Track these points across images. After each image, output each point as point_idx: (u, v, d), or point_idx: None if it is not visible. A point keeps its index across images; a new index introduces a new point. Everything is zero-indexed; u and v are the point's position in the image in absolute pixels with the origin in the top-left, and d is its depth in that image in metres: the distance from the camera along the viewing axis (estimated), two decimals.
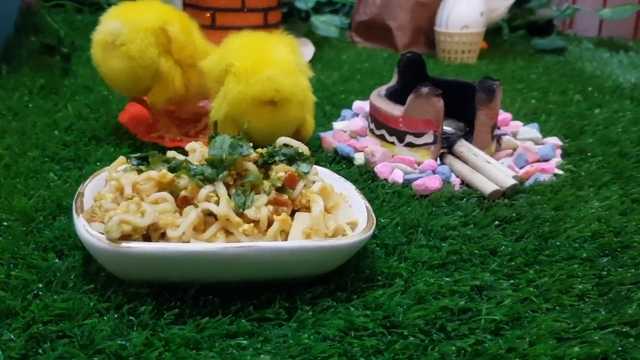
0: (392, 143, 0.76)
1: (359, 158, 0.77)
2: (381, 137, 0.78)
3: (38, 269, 0.50)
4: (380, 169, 0.73)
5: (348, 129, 0.84)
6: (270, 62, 0.69)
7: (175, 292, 0.48)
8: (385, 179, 0.72)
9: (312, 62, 1.25)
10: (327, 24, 1.53)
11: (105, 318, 0.45)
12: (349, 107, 0.97)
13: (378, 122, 0.78)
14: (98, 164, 0.71)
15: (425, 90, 0.71)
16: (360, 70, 1.22)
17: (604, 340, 0.46)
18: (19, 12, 1.45)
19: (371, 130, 0.81)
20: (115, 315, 0.45)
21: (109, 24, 0.74)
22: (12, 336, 0.43)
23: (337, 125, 0.88)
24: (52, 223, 0.58)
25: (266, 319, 0.47)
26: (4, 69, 1.06)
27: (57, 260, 0.52)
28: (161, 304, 0.47)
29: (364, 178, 0.72)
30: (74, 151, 0.74)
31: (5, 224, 0.57)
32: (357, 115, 0.92)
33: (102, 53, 0.75)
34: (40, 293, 0.47)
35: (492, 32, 1.55)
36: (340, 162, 0.77)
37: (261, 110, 0.69)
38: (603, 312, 0.50)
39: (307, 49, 1.29)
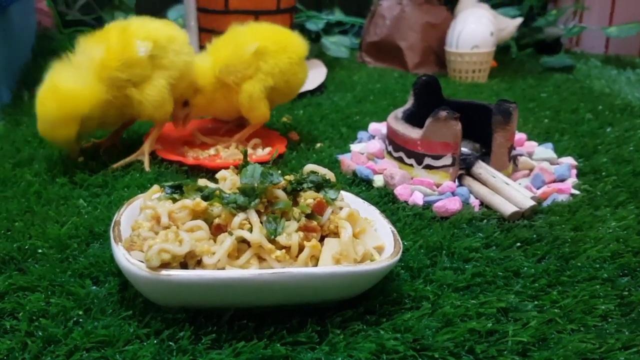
0: (411, 165, 0.78)
1: (378, 180, 0.78)
2: (399, 160, 0.80)
3: (76, 296, 0.52)
4: (400, 191, 0.74)
5: (365, 151, 0.86)
6: (287, 32, 0.91)
7: (211, 317, 0.49)
8: (406, 201, 0.74)
9: (325, 83, 1.27)
10: (337, 44, 1.55)
11: (145, 344, 0.46)
12: (365, 128, 0.99)
13: (396, 144, 0.80)
14: (126, 190, 0.73)
15: (443, 114, 0.73)
16: (373, 91, 1.24)
17: None
18: (35, 37, 1.48)
19: (389, 153, 0.83)
20: (155, 341, 0.47)
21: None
22: None
23: (355, 147, 0.89)
24: (86, 250, 0.60)
25: (299, 342, 0.48)
26: (25, 95, 1.08)
27: (94, 287, 0.54)
28: (198, 329, 0.48)
29: (384, 200, 0.74)
30: (102, 177, 0.76)
31: (40, 251, 0.59)
32: (373, 137, 0.93)
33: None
34: (80, 320, 0.49)
35: (501, 51, 1.58)
36: (359, 185, 0.79)
37: (302, 66, 0.91)
38: (627, 333, 0.51)
39: (320, 71, 1.31)
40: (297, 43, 0.90)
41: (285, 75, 0.88)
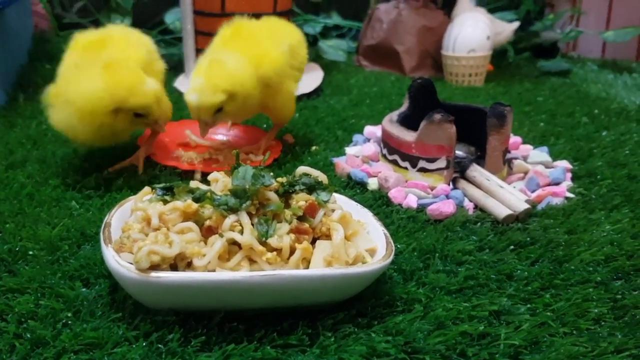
0: (405, 168, 0.78)
1: (372, 183, 0.78)
2: (394, 163, 0.79)
3: (66, 298, 0.52)
4: (394, 194, 0.74)
5: (360, 154, 0.86)
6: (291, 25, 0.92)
7: (201, 319, 0.49)
8: (400, 204, 0.73)
9: (322, 86, 1.27)
10: (334, 48, 1.55)
11: (134, 346, 0.46)
12: (360, 131, 0.98)
13: (391, 147, 0.80)
14: (119, 192, 0.72)
15: (438, 116, 0.73)
16: (369, 95, 1.24)
17: None
18: (32, 40, 1.48)
19: (383, 156, 0.83)
20: (144, 344, 0.46)
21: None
22: None
23: (350, 150, 0.89)
24: (77, 252, 0.59)
25: (289, 345, 0.48)
26: (20, 97, 1.08)
27: (84, 289, 0.53)
28: (188, 332, 0.48)
29: (378, 203, 0.74)
30: (95, 180, 0.75)
31: (31, 253, 0.58)
32: (368, 140, 0.93)
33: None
34: (69, 322, 0.49)
35: (498, 55, 1.57)
36: (354, 188, 0.79)
37: None
38: (619, 336, 0.51)
39: (316, 74, 1.31)
40: (300, 33, 0.90)
41: (303, 69, 0.89)
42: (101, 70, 0.69)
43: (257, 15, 1.18)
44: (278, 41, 0.83)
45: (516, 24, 1.45)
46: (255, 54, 0.79)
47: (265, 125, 1.01)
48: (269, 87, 0.81)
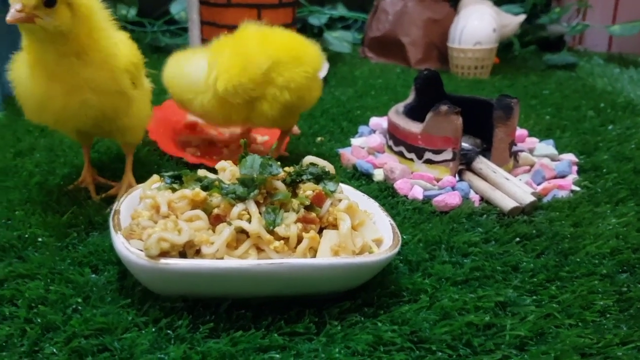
0: (411, 160, 0.78)
1: (378, 174, 0.78)
2: (400, 154, 0.80)
3: (75, 284, 0.52)
4: (400, 186, 0.74)
5: (366, 145, 0.86)
6: (302, 41, 0.80)
7: (209, 306, 0.50)
8: (405, 196, 0.74)
9: (327, 78, 1.27)
10: (339, 39, 1.55)
11: (143, 332, 0.47)
12: (365, 123, 0.99)
13: (396, 139, 0.80)
14: None
15: (444, 108, 0.73)
16: (374, 86, 1.24)
17: (627, 356, 0.47)
18: None
19: (389, 147, 0.83)
20: (153, 329, 0.47)
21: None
22: (55, 350, 0.45)
23: (355, 141, 0.89)
24: (86, 239, 0.60)
25: (296, 333, 0.48)
26: None
27: (93, 275, 0.54)
28: (196, 318, 0.48)
29: (384, 194, 0.74)
30: (102, 168, 0.76)
31: (41, 239, 0.59)
32: (374, 131, 0.93)
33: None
34: (79, 307, 0.49)
35: (504, 48, 1.57)
36: (359, 179, 0.79)
37: (317, 81, 0.81)
38: (624, 328, 0.51)
39: None
40: (313, 54, 0.77)
41: (300, 91, 0.75)
42: None
43: (262, 6, 1.19)
44: (251, 61, 0.73)
45: (522, 17, 1.45)
46: (220, 67, 0.74)
47: None
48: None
